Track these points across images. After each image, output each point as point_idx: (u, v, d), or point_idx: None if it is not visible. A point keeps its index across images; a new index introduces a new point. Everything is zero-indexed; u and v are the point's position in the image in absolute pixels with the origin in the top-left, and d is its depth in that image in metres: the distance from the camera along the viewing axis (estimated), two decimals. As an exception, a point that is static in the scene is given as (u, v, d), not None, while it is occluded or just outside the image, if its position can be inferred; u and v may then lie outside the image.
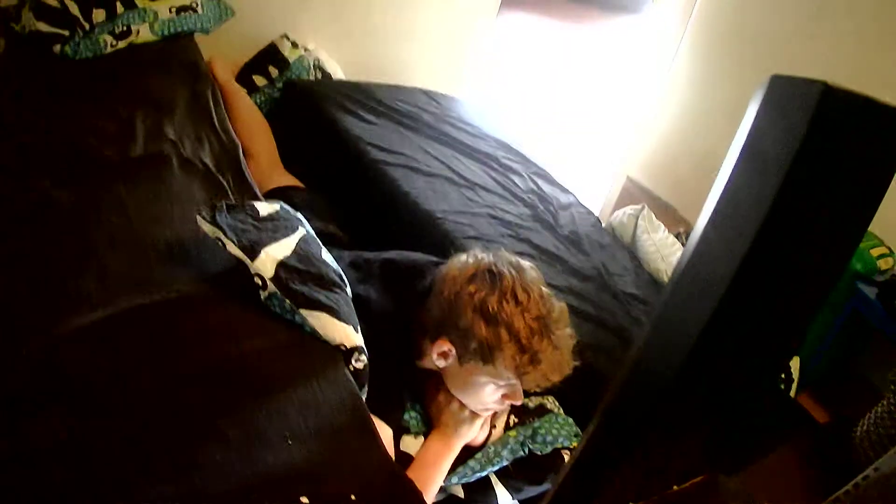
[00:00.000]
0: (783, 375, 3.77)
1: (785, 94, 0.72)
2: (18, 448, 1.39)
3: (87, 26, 3.08)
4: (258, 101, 4.09)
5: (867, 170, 0.77)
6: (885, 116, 0.74)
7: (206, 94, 3.12)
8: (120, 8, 3.24)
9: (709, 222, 0.77)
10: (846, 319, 4.55)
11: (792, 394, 4.03)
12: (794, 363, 4.00)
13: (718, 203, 0.76)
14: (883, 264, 4.57)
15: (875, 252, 4.58)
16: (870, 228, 0.86)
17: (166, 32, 3.49)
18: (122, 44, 3.26)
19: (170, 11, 3.48)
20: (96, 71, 2.98)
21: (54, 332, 1.64)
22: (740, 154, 0.75)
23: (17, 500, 1.32)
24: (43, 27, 2.96)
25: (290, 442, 1.61)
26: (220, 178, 2.51)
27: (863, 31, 4.81)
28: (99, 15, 3.15)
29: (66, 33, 3.01)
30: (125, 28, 3.26)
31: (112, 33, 3.20)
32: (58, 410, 1.48)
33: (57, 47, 2.98)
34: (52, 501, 1.33)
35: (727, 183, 0.75)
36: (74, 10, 3.05)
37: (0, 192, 2.02)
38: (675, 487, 0.95)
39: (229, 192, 2.46)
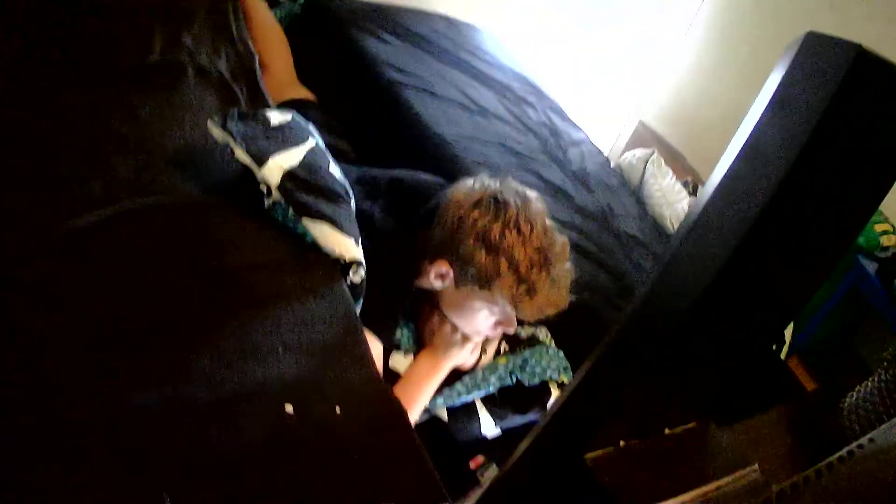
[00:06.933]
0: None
1: (819, 51, 0.72)
2: (8, 348, 1.40)
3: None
4: (279, 15, 4.03)
5: (891, 139, 0.77)
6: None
7: (227, 4, 3.08)
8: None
9: (729, 170, 0.76)
10: (844, 292, 4.55)
11: (782, 356, 4.04)
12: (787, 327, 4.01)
13: (741, 152, 0.75)
14: (886, 241, 4.55)
15: (879, 228, 4.55)
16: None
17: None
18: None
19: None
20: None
21: (54, 233, 1.63)
22: (767, 106, 0.74)
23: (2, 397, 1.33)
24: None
25: (282, 354, 1.62)
26: (235, 87, 2.49)
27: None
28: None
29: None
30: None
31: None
32: (52, 311, 1.48)
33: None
34: (35, 401, 1.34)
35: (752, 132, 0.75)
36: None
37: (10, 91, 2.01)
38: (666, 431, 0.96)
39: (243, 102, 2.44)
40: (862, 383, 1.76)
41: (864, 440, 0.79)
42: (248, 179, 1.94)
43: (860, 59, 0.68)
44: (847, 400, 1.75)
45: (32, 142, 1.86)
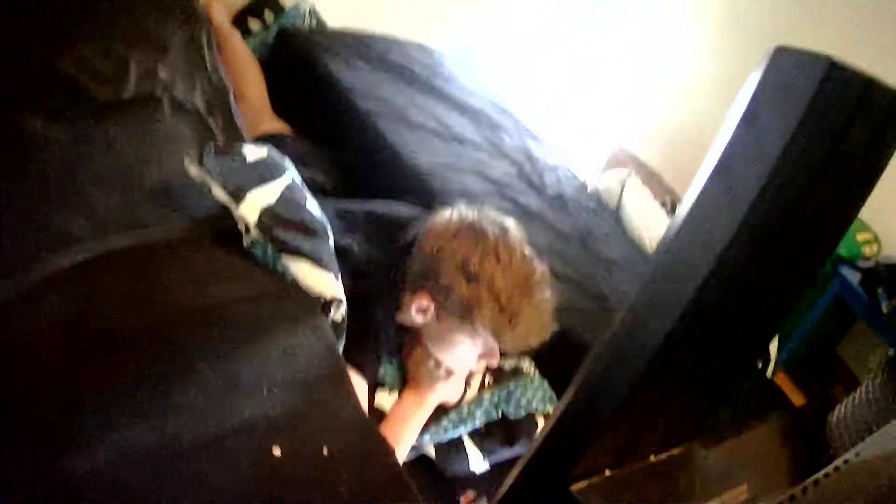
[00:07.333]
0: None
1: (789, 66, 0.71)
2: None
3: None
4: (251, 44, 4.04)
5: (864, 151, 0.77)
6: (885, 99, 0.73)
7: (201, 35, 3.07)
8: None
9: (702, 191, 0.76)
10: (828, 303, 4.55)
11: (769, 373, 4.04)
12: (772, 343, 4.00)
13: (713, 172, 0.75)
14: (867, 250, 4.56)
15: (860, 237, 4.55)
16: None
17: (163, -28, 3.42)
18: (118, -20, 3.20)
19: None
20: (92, 7, 2.92)
21: (36, 273, 1.62)
22: (738, 123, 0.74)
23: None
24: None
25: (266, 392, 1.61)
26: (210, 121, 2.49)
27: (871, 9, 4.75)
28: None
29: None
30: (121, -36, 3.19)
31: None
32: (39, 352, 1.47)
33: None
34: (32, 444, 1.33)
35: (723, 152, 0.74)
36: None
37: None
38: (652, 457, 0.95)
39: (218, 136, 2.44)
40: (850, 396, 1.75)
41: (850, 454, 0.79)
42: (226, 215, 1.93)
43: (830, 73, 0.68)
44: (835, 413, 1.75)
45: (11, 178, 1.85)
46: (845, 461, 0.78)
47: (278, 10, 4.21)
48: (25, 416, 1.36)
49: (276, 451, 1.50)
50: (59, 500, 1.28)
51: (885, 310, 4.16)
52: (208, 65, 2.83)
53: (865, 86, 0.71)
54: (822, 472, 0.77)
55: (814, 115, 0.68)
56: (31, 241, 1.70)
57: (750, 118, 0.73)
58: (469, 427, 2.31)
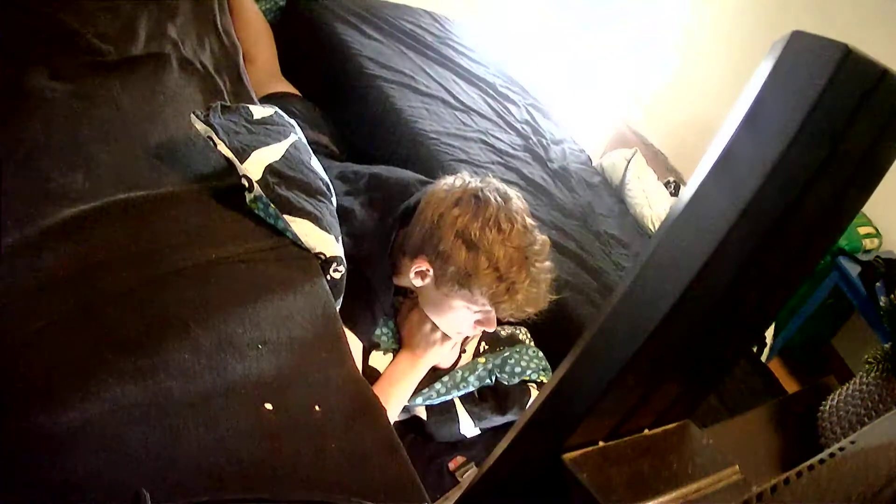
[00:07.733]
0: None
1: (805, 51, 0.71)
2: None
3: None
4: (263, 7, 4.02)
5: (874, 142, 0.76)
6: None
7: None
8: None
9: (709, 172, 0.76)
10: (825, 294, 4.54)
11: (763, 358, 4.04)
12: (769, 329, 4.01)
13: (722, 153, 0.75)
14: (868, 244, 4.55)
15: (862, 231, 4.55)
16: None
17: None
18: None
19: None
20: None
21: (36, 225, 1.61)
22: (751, 104, 0.74)
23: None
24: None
25: (261, 350, 1.61)
26: (218, 80, 2.47)
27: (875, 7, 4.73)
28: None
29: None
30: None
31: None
32: (33, 302, 1.47)
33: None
34: (17, 393, 1.33)
35: (735, 131, 0.74)
36: None
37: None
38: (646, 432, 0.95)
39: (226, 95, 2.42)
40: (844, 385, 1.76)
41: (845, 442, 0.79)
42: (230, 172, 1.93)
43: (846, 59, 0.68)
44: (829, 402, 1.76)
45: (14, 131, 1.84)
46: (840, 448, 0.78)
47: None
48: (16, 365, 1.36)
49: (268, 408, 1.50)
50: (45, 448, 1.28)
51: (882, 304, 4.16)
52: (219, 25, 2.82)
53: (879, 76, 0.70)
54: (818, 457, 0.77)
55: (827, 101, 0.68)
56: (30, 195, 1.69)
57: (761, 102, 0.73)
58: (461, 392, 2.31)
